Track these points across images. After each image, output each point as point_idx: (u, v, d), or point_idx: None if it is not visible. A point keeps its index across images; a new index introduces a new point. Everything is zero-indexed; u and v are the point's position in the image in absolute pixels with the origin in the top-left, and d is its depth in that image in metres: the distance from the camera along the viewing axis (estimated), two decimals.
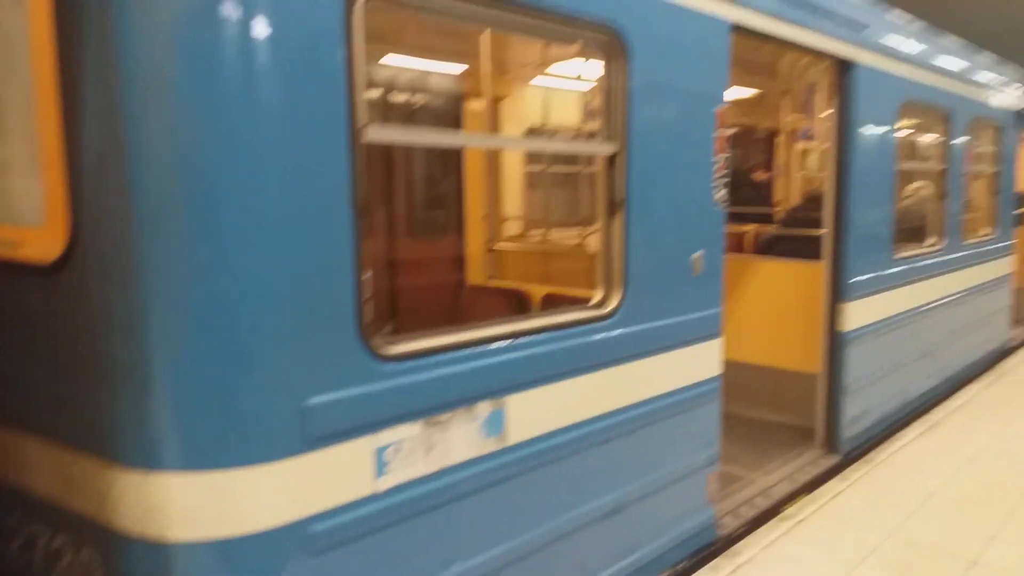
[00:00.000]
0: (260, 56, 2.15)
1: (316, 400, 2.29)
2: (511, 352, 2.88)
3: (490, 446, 2.79)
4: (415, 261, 5.58)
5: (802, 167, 8.73)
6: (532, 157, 6.39)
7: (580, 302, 3.46)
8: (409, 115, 5.93)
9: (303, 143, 2.24)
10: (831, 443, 5.36)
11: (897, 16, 6.22)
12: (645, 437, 3.57)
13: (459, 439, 2.67)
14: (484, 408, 2.75)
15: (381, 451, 2.45)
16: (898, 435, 5.87)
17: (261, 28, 2.14)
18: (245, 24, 2.13)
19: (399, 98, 5.71)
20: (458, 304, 4.72)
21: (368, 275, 2.46)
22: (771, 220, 8.10)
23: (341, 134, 2.33)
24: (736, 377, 5.51)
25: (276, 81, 2.18)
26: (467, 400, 2.69)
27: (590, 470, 3.30)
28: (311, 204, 2.26)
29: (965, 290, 7.41)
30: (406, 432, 2.50)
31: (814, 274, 5.45)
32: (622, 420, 3.41)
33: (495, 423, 2.80)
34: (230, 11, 2.11)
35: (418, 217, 5.95)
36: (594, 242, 3.50)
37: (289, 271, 2.23)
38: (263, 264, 2.19)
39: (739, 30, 4.00)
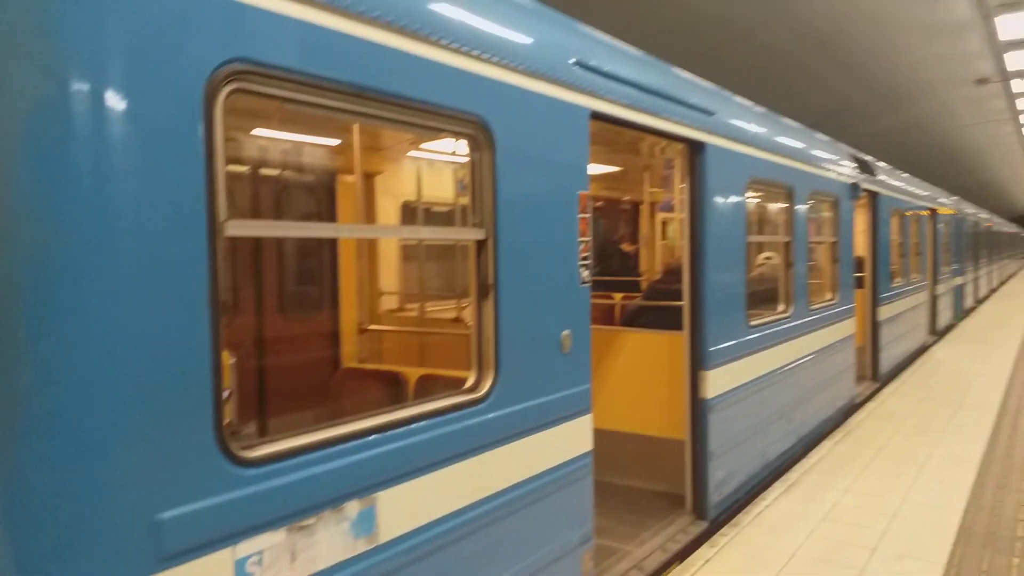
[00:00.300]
0: (111, 152, 2.06)
1: (170, 514, 2.15)
2: (383, 445, 2.82)
3: (360, 547, 2.70)
4: (285, 342, 5.39)
5: (663, 236, 9.22)
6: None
7: (456, 383, 3.45)
8: (282, 189, 5.83)
9: (157, 241, 2.15)
10: (699, 509, 5.54)
11: (742, 100, 6.75)
12: (520, 521, 3.57)
13: (327, 543, 2.56)
14: (353, 508, 2.67)
15: (242, 563, 2.32)
16: (761, 496, 6.15)
17: (113, 122, 2.06)
18: (96, 118, 2.04)
19: (270, 172, 5.61)
20: (330, 389, 4.60)
21: (232, 363, 2.37)
22: (639, 289, 8.44)
23: (200, 230, 2.26)
24: (608, 446, 5.63)
25: (129, 178, 2.09)
26: (335, 500, 2.60)
27: (465, 560, 3.25)
28: (164, 305, 2.16)
29: (814, 352, 7.95)
30: (269, 540, 2.38)
31: (676, 344, 5.70)
32: (497, 506, 3.40)
33: (366, 522, 2.72)
34: (79, 105, 2.02)
35: (289, 293, 5.79)
36: (470, 315, 3.53)
37: (140, 376, 2.10)
38: (110, 370, 2.06)
39: (598, 117, 4.21)
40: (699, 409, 5.51)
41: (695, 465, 5.54)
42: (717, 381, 5.63)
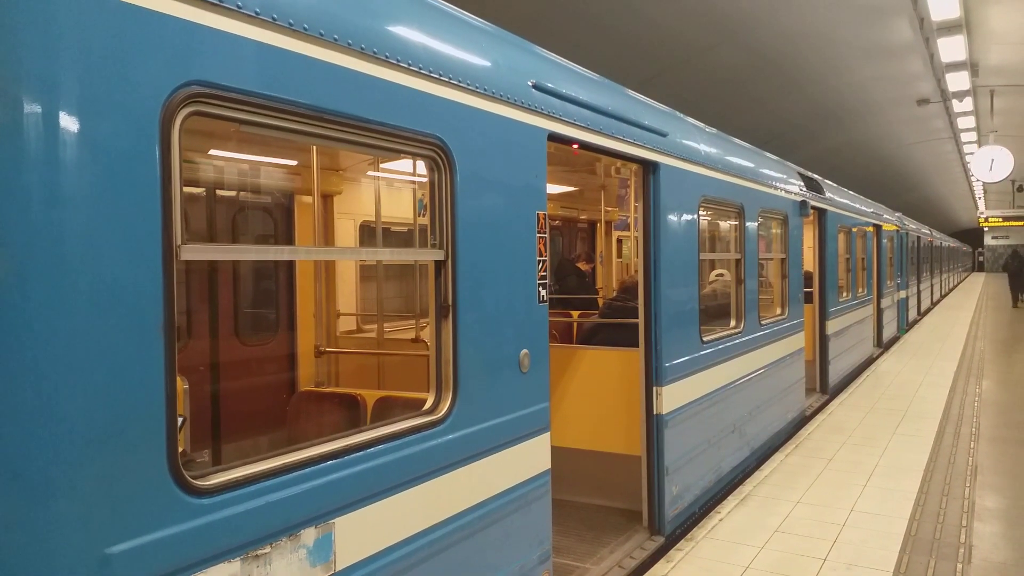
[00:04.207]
0: (63, 175, 2.02)
1: (120, 547, 2.09)
2: (340, 470, 2.79)
3: (317, 574, 2.67)
4: (241, 365, 5.28)
5: (619, 255, 9.33)
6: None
7: (415, 404, 3.43)
8: (240, 209, 5.75)
9: (110, 266, 2.10)
10: (655, 524, 5.59)
11: (694, 121, 6.89)
12: (479, 542, 3.56)
13: (283, 572, 2.53)
14: (310, 535, 2.64)
15: None
16: (715, 510, 6.23)
17: (65, 145, 2.01)
18: (48, 141, 1.99)
19: (228, 193, 5.53)
20: (287, 413, 4.53)
21: (185, 389, 2.32)
22: (596, 306, 8.51)
23: (154, 255, 2.22)
24: (565, 463, 5.65)
25: (81, 201, 2.04)
26: (291, 528, 2.57)
27: None
28: (116, 331, 2.11)
29: (765, 366, 8.11)
30: (222, 571, 2.34)
31: (632, 360, 5.75)
32: (456, 528, 3.39)
33: (322, 549, 2.68)
34: (30, 128, 1.97)
35: (245, 316, 5.69)
36: (428, 336, 3.51)
37: (89, 405, 2.05)
38: (58, 398, 2.00)
39: (555, 138, 4.26)
40: (654, 425, 5.56)
41: (651, 481, 5.59)
42: (672, 396, 5.70)
